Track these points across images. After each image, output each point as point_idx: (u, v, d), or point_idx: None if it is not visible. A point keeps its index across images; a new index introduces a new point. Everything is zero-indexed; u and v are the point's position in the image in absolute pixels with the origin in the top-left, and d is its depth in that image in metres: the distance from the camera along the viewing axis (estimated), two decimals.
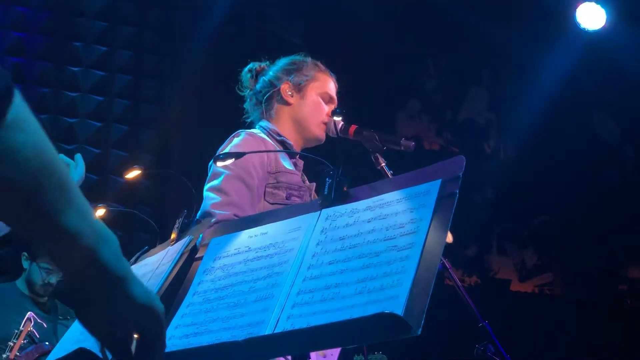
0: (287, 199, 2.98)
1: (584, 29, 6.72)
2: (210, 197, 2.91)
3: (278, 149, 3.12)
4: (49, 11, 6.52)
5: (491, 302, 6.35)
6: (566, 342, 7.34)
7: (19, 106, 0.95)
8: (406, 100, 8.05)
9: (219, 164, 2.69)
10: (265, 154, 3.01)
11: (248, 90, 3.32)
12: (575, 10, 6.70)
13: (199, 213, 2.89)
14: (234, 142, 3.04)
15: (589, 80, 7.43)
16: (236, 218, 2.79)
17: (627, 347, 7.53)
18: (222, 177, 2.92)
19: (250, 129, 3.21)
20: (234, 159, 2.73)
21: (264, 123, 3.23)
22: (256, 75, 3.30)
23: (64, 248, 1.01)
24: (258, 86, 3.28)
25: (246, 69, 3.34)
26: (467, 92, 8.30)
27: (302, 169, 3.22)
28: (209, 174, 3.03)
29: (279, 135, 3.17)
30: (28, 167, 0.94)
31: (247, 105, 3.34)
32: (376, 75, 7.35)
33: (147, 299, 1.10)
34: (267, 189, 2.97)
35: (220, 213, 2.80)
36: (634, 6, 6.86)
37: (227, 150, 3.03)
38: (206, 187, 2.96)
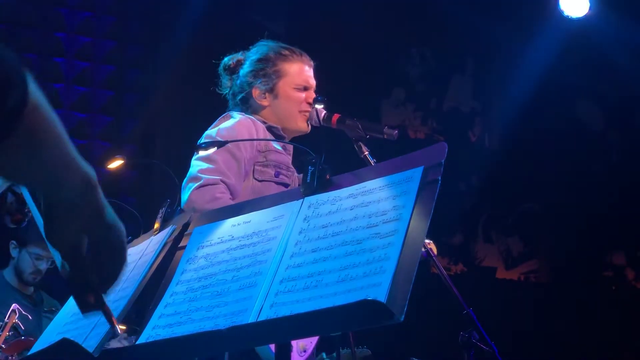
0: (275, 176, 3.04)
1: (568, 16, 6.73)
2: (198, 165, 2.96)
3: (267, 133, 3.15)
4: (31, 2, 6.47)
5: (477, 290, 6.38)
6: (552, 329, 7.38)
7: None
8: (391, 89, 8.04)
9: (202, 152, 2.69)
10: (255, 133, 3.06)
11: (227, 89, 3.33)
12: None
13: (185, 179, 2.94)
14: (226, 125, 3.09)
15: (573, 67, 7.45)
16: (222, 185, 2.86)
17: (613, 332, 7.57)
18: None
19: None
20: (216, 147, 2.72)
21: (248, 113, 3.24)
22: (231, 73, 3.30)
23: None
24: (233, 87, 3.29)
25: (221, 66, 3.33)
26: (451, 81, 8.29)
27: (291, 153, 3.23)
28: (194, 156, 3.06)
29: (265, 122, 3.19)
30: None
31: (229, 98, 3.35)
32: (361, 64, 7.34)
33: (114, 216, 1.18)
34: (256, 167, 3.03)
35: (208, 177, 2.86)
36: None
37: (217, 128, 3.08)
38: (195, 158, 3.00)
